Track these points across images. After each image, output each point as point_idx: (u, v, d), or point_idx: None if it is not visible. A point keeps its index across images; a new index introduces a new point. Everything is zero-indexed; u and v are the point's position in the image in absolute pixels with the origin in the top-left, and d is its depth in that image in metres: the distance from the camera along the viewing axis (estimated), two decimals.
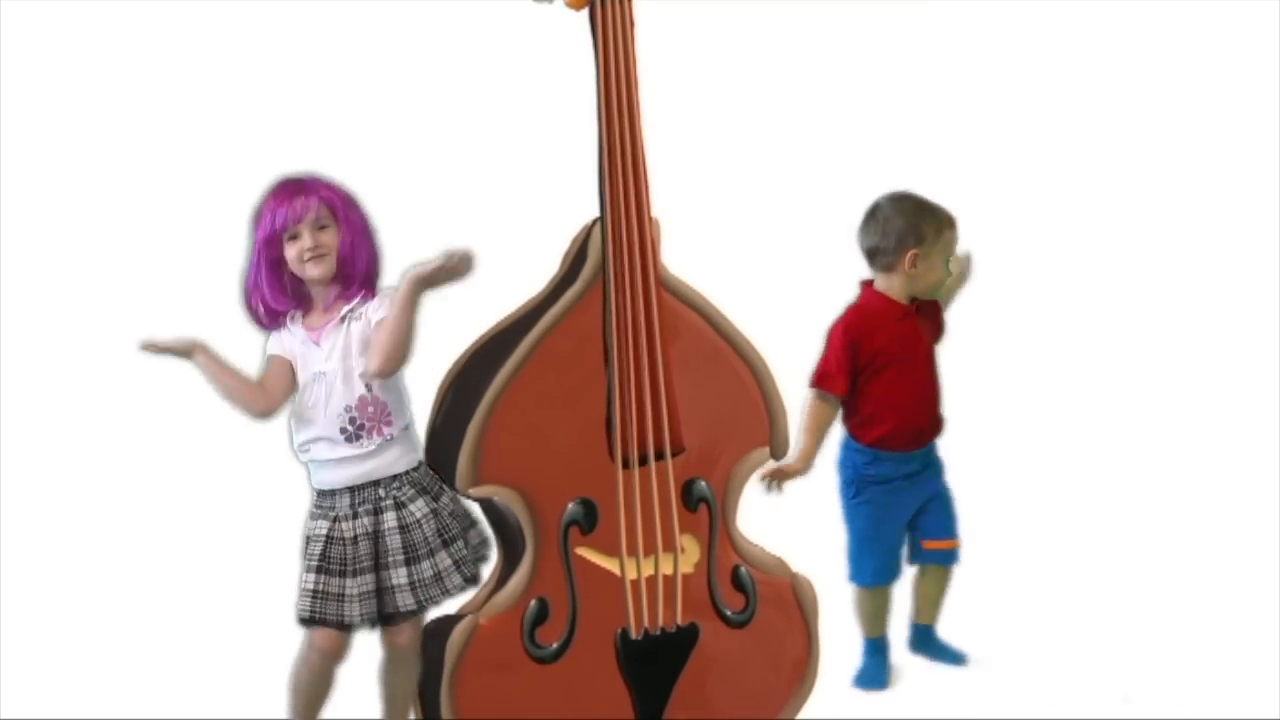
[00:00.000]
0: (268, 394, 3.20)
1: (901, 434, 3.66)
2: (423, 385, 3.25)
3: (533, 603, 3.15)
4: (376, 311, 3.14)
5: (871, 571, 3.73)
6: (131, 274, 4.63)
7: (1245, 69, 4.86)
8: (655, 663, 3.24)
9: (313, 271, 3.15)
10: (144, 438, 4.59)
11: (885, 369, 3.61)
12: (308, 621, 3.21)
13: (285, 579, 3.20)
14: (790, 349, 3.39)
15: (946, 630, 3.80)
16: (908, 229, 3.61)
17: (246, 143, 4.43)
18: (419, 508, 3.18)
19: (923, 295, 3.67)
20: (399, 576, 3.20)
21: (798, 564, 3.40)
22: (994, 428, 4.61)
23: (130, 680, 3.77)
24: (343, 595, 3.19)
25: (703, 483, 3.25)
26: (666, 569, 3.22)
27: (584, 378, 3.15)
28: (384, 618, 3.21)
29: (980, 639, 3.82)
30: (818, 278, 4.41)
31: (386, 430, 3.16)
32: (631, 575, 3.20)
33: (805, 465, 3.56)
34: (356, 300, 3.19)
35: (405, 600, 3.19)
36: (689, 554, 3.24)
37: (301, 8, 4.12)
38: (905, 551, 3.77)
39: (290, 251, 3.15)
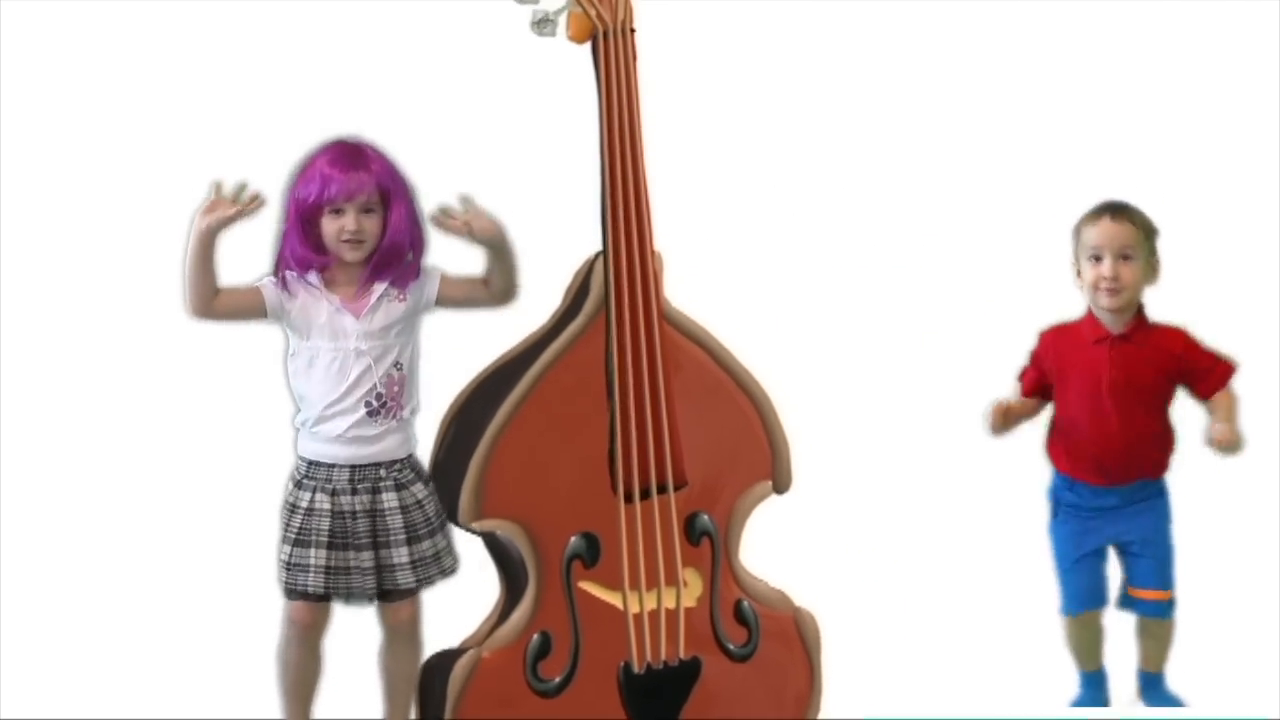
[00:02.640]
0: (217, 304, 3.18)
1: (1085, 466, 3.55)
2: (426, 419, 3.25)
3: (535, 637, 3.15)
4: (432, 281, 3.18)
5: (1069, 599, 3.64)
6: (131, 274, 4.48)
7: (1246, 69, 4.77)
8: (658, 696, 3.25)
9: (347, 254, 3.15)
10: (143, 436, 4.48)
11: (1070, 392, 3.53)
12: (289, 594, 3.24)
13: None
14: (793, 382, 3.37)
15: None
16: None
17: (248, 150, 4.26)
18: (419, 490, 3.22)
19: (1107, 310, 3.49)
20: (400, 555, 3.22)
21: (800, 597, 3.38)
22: None
23: (130, 679, 3.75)
24: (337, 568, 3.20)
25: (705, 516, 3.25)
26: (669, 603, 3.22)
27: (586, 411, 3.15)
28: (381, 594, 3.24)
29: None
30: (821, 309, 4.42)
31: (402, 412, 3.19)
32: (634, 609, 3.20)
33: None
34: (388, 283, 3.18)
35: (405, 578, 3.21)
36: (691, 588, 3.24)
37: (306, 40, 4.14)
38: (1112, 590, 3.65)
39: (329, 225, 3.14)
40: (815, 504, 3.57)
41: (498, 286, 3.22)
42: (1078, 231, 3.55)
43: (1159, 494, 3.61)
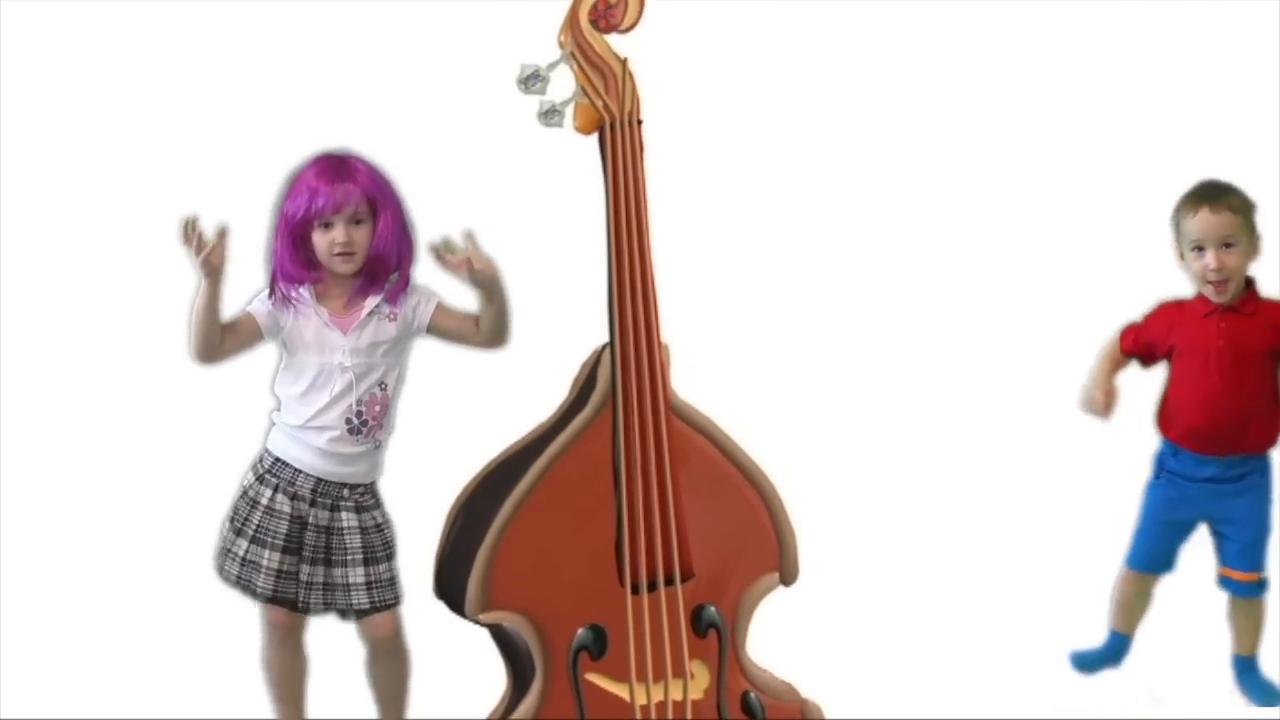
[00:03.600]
0: (224, 348, 3.19)
1: (1191, 435, 3.60)
2: (433, 509, 3.24)
3: None
4: (428, 305, 3.21)
5: (1137, 553, 3.71)
6: (131, 273, 4.58)
7: (1246, 69, 4.83)
8: None
9: (340, 267, 3.16)
10: (142, 435, 4.57)
11: (1179, 363, 3.59)
12: (242, 590, 3.26)
13: None
14: (800, 472, 3.36)
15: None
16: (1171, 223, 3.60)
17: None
18: (379, 514, 3.27)
19: (1206, 290, 3.55)
20: (355, 575, 3.25)
21: (807, 688, 3.37)
22: None
23: (130, 679, 3.77)
24: (288, 574, 3.24)
25: (712, 608, 3.24)
26: (676, 695, 3.21)
27: (593, 503, 3.14)
28: (339, 612, 3.28)
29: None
30: (829, 400, 4.42)
31: (379, 435, 3.22)
32: (641, 701, 3.19)
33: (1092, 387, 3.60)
34: (380, 298, 3.19)
35: (359, 598, 3.25)
36: (698, 680, 3.23)
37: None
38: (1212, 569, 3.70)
39: (320, 239, 3.15)
40: (823, 595, 3.56)
41: (487, 329, 3.22)
42: (1177, 221, 3.58)
43: (1260, 472, 3.65)
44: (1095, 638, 3.84)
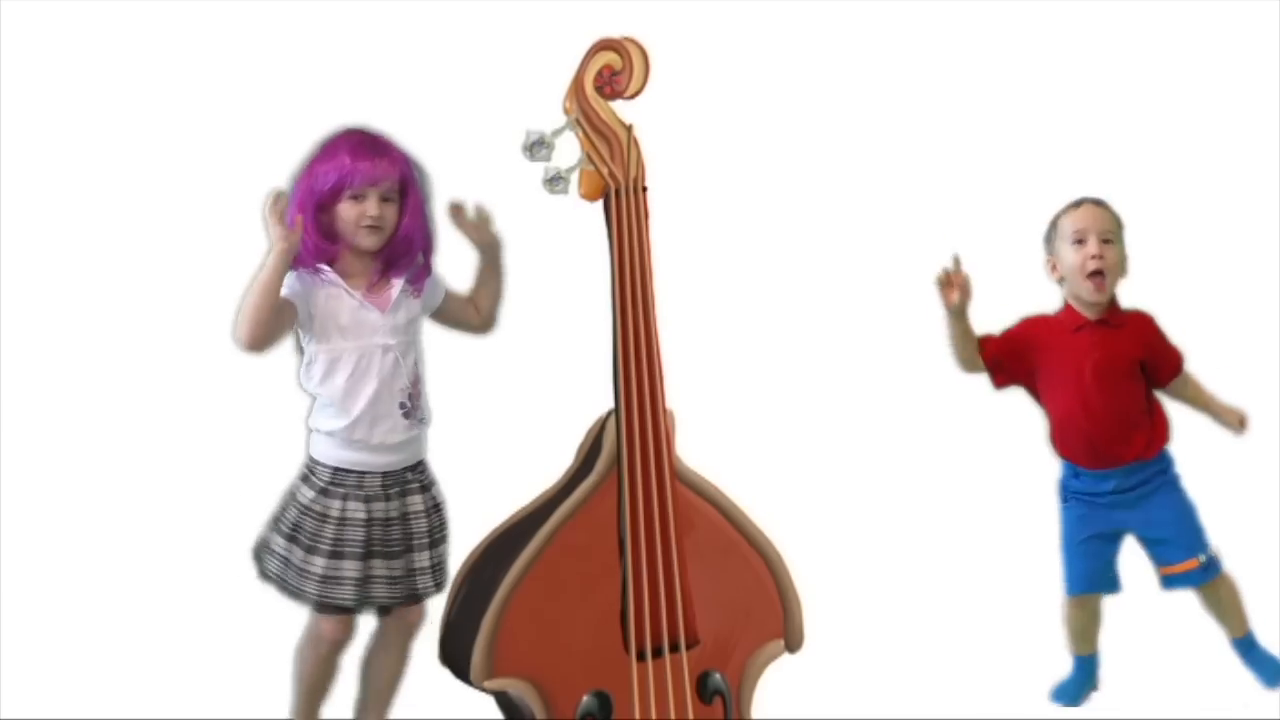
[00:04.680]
0: (274, 333, 3.12)
1: (1081, 452, 3.64)
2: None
3: None
4: (441, 286, 3.25)
5: (1071, 577, 3.72)
6: (132, 273, 4.56)
7: (1247, 69, 4.80)
8: None
9: (366, 240, 3.16)
10: (142, 436, 4.50)
11: (1051, 381, 3.63)
12: (321, 608, 3.21)
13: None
14: (805, 539, 3.38)
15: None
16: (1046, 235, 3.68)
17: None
18: (438, 492, 3.29)
19: (1081, 297, 3.60)
20: (423, 559, 3.25)
21: None
22: None
23: (130, 679, 3.76)
24: (370, 578, 3.19)
25: (717, 675, 3.25)
26: None
27: (599, 570, 3.16)
28: (382, 608, 3.29)
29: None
30: (835, 467, 4.43)
31: (422, 413, 3.24)
32: None
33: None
34: (404, 278, 3.19)
35: (425, 582, 3.25)
36: None
37: None
38: (1122, 574, 3.72)
39: (348, 210, 3.15)
40: (828, 662, 3.55)
41: (485, 309, 3.30)
42: (1055, 224, 3.66)
43: (1160, 472, 3.68)
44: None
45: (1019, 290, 4.13)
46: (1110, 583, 3.75)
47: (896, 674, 3.90)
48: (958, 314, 3.61)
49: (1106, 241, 3.60)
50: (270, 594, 3.28)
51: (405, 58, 4.42)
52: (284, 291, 3.12)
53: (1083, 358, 3.60)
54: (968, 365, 3.70)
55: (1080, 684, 3.79)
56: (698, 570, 3.22)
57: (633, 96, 3.12)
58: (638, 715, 3.18)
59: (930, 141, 4.75)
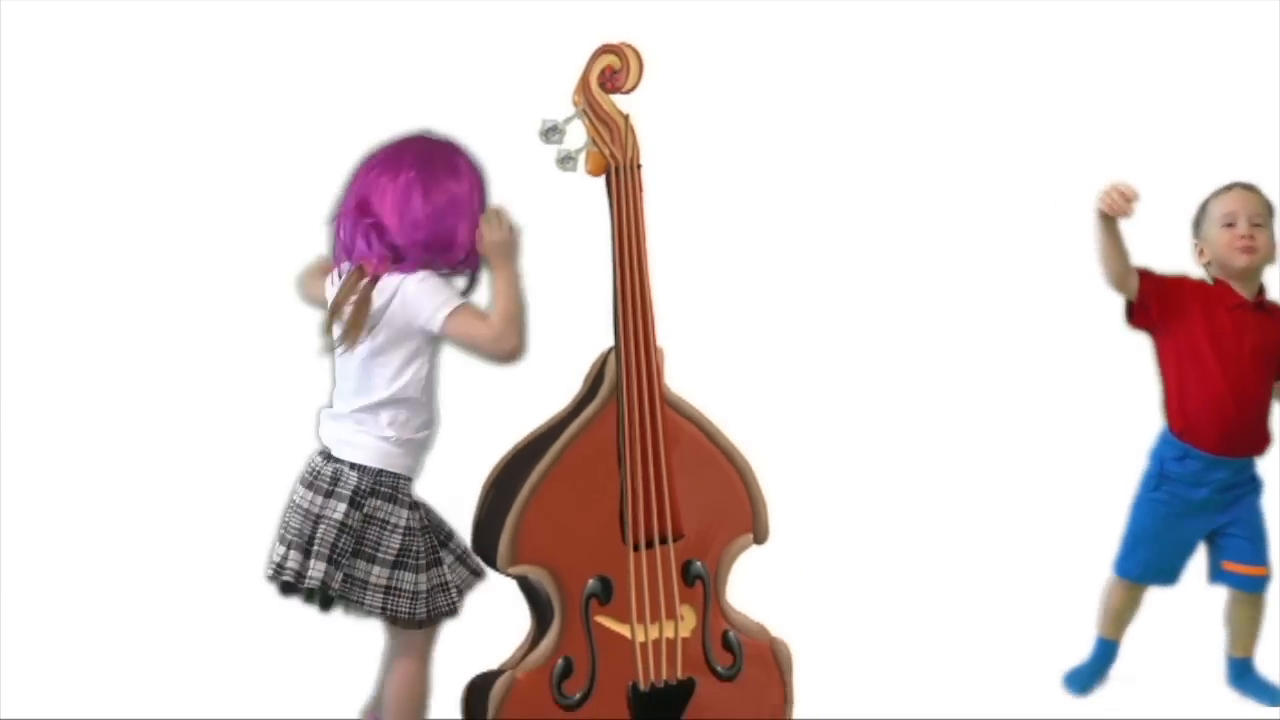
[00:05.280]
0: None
1: (1208, 432, 3.35)
2: (470, 480, 3.35)
3: (560, 661, 3.31)
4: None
5: (1139, 565, 3.46)
6: (132, 273, 4.60)
7: (1247, 69, 4.69)
8: (660, 710, 3.39)
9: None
10: (143, 436, 4.53)
11: (1199, 351, 3.33)
12: (426, 621, 3.19)
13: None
14: (772, 450, 3.46)
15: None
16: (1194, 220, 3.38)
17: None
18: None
19: (1232, 267, 3.35)
20: (448, 560, 3.31)
21: (776, 628, 3.51)
22: None
23: (130, 679, 3.77)
24: (447, 584, 3.24)
25: (698, 563, 3.39)
26: (669, 633, 3.37)
27: (602, 477, 3.30)
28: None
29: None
30: (810, 392, 4.63)
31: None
32: (640, 639, 3.36)
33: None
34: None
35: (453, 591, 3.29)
36: (687, 621, 3.39)
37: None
38: (1204, 568, 3.52)
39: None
40: (789, 552, 3.63)
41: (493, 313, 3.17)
42: (1204, 208, 3.43)
43: (1253, 477, 3.46)
44: (1081, 636, 3.74)
45: (1014, 286, 4.32)
46: (1170, 576, 3.50)
47: (896, 674, 3.89)
48: (1111, 224, 3.28)
49: (1257, 225, 3.39)
50: (270, 594, 3.23)
51: (439, 61, 4.50)
52: (463, 303, 3.14)
53: (1242, 336, 3.35)
54: (1118, 281, 3.36)
55: (1096, 669, 3.62)
56: (682, 477, 3.34)
57: (630, 91, 3.26)
58: (634, 595, 3.33)
59: (918, 122, 4.79)
